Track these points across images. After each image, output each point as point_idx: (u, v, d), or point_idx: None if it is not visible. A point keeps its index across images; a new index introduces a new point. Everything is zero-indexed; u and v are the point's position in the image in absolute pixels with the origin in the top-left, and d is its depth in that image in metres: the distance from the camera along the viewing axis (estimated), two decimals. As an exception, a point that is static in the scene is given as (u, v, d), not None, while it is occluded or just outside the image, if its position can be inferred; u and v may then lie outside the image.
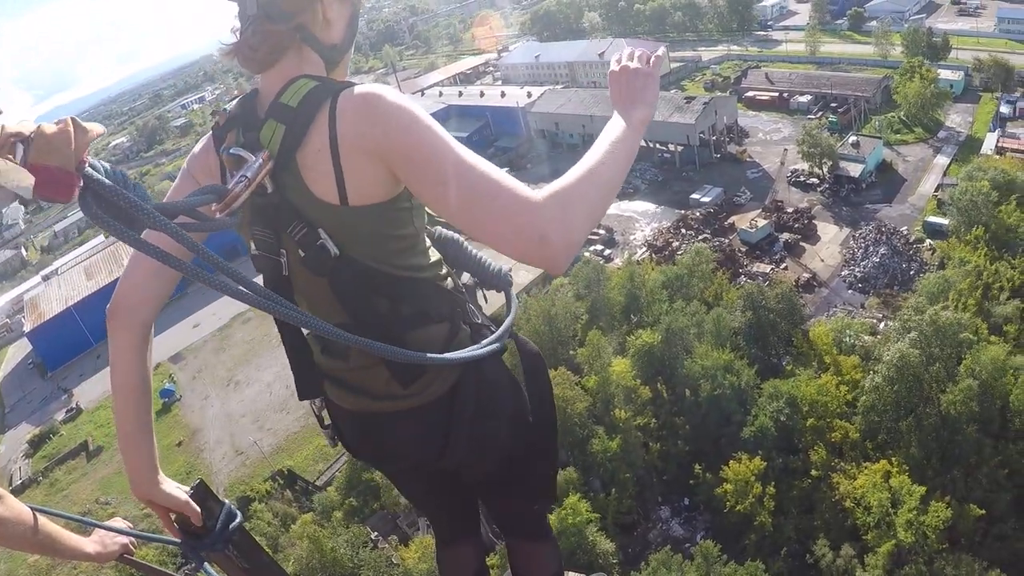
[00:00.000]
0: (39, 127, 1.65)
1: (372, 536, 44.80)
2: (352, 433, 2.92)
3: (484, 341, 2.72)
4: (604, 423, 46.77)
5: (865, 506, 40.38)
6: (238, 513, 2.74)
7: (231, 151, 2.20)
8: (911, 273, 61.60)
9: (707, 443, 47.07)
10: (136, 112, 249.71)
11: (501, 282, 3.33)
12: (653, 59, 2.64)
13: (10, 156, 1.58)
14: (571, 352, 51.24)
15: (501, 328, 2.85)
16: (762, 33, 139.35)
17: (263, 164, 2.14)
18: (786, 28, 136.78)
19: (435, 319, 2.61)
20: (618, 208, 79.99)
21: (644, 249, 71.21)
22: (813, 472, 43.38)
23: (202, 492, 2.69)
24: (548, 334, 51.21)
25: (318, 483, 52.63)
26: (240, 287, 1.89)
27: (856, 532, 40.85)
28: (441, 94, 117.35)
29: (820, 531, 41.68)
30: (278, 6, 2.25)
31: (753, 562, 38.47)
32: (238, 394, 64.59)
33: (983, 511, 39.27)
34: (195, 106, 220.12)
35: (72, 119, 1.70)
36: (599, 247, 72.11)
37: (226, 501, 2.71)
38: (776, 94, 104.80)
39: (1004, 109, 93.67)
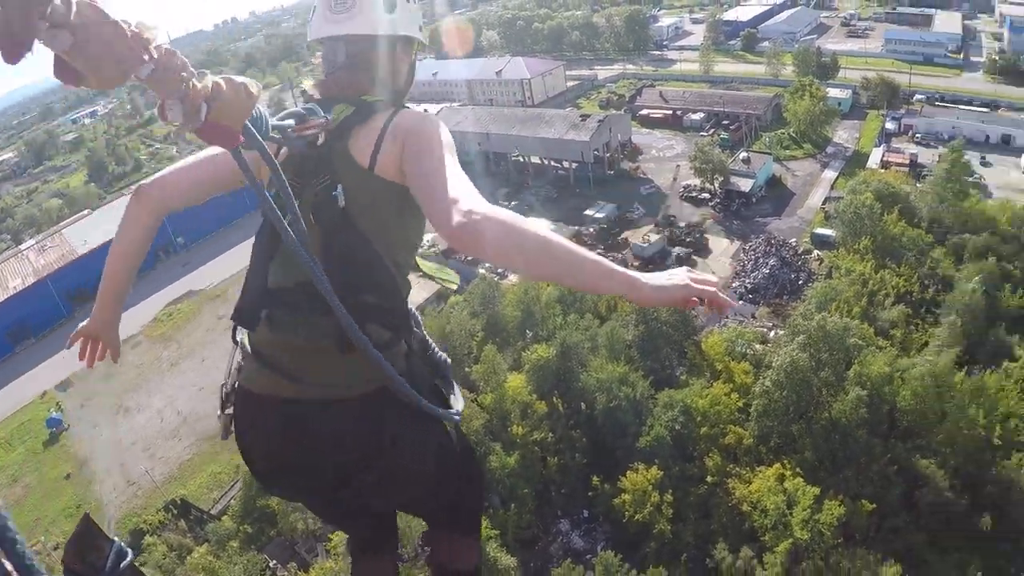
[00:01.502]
0: (216, 85, 2.06)
1: (270, 564, 44.80)
2: (272, 426, 3.00)
3: (451, 411, 3.45)
4: (501, 439, 48.05)
5: (761, 509, 42.94)
6: (128, 551, 2.55)
7: (307, 106, 2.93)
8: (800, 283, 65.98)
9: (604, 455, 48.94)
10: (24, 126, 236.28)
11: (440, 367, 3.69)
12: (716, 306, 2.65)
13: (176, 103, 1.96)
14: (467, 369, 52.37)
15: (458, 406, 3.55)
16: (657, 53, 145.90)
17: (327, 121, 2.90)
18: (681, 48, 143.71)
19: (387, 324, 3.00)
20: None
21: (541, 266, 73.11)
22: (709, 478, 45.77)
23: (89, 530, 2.50)
24: (451, 353, 52.13)
25: (212, 511, 51.99)
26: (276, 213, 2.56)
27: (754, 534, 43.26)
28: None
29: (718, 535, 43.98)
30: (363, 62, 3.15)
31: (655, 569, 40.27)
32: (128, 421, 63.00)
33: (875, 506, 42.64)
34: (86, 120, 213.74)
35: (245, 85, 2.19)
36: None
37: (115, 539, 2.55)
38: (670, 112, 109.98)
39: (889, 125, 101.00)
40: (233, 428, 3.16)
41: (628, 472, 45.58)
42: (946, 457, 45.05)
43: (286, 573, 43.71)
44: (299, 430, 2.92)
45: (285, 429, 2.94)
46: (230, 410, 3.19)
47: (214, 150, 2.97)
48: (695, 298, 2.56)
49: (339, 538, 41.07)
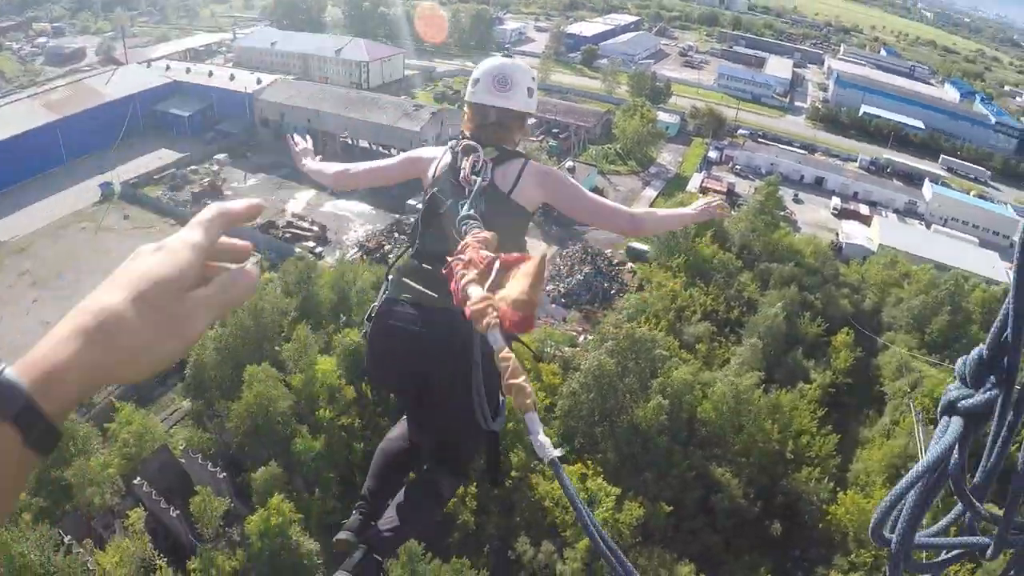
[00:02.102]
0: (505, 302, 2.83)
1: (64, 540, 41.59)
2: (410, 317, 4.48)
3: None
4: (308, 422, 46.69)
5: (563, 506, 43.84)
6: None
7: (468, 143, 4.52)
8: (612, 292, 68.86)
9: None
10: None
11: None
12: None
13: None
14: (276, 348, 50.82)
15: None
16: (499, 54, 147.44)
17: (486, 156, 4.45)
18: (523, 53, 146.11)
19: None
20: (333, 207, 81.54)
21: (356, 249, 72.62)
22: (513, 473, 46.12)
23: None
24: (254, 328, 50.37)
25: (4, 484, 47.67)
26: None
27: (555, 529, 44.28)
28: (168, 68, 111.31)
29: (521, 529, 44.82)
30: (506, 125, 4.78)
31: (458, 559, 40.19)
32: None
33: (672, 508, 45.11)
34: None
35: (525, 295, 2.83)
36: (311, 244, 72.69)
37: None
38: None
39: (712, 154, 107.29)
40: (369, 332, 4.80)
41: (432, 462, 45.43)
42: (741, 467, 48.16)
43: (81, 549, 40.77)
44: (426, 321, 4.38)
45: (419, 321, 4.41)
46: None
47: (392, 162, 5.24)
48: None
49: (137, 515, 39.70)
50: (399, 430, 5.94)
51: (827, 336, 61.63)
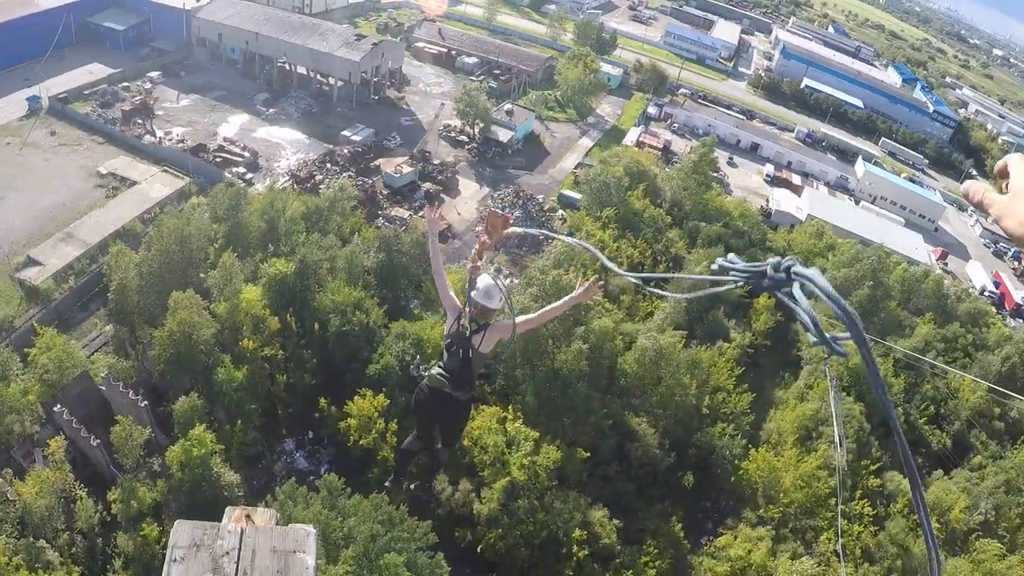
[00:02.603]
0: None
1: None
2: (437, 397, 8.84)
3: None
4: (231, 352, 46.74)
5: (482, 446, 45.13)
6: None
7: (464, 325, 8.59)
8: (540, 239, 69.35)
9: (333, 378, 49.18)
10: None
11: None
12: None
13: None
14: (202, 275, 50.29)
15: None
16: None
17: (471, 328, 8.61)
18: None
19: (471, 384, 8.93)
20: (267, 133, 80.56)
21: (287, 178, 71.90)
22: (433, 417, 47.24)
23: None
24: (179, 254, 49.76)
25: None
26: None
27: (473, 469, 45.32)
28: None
29: (439, 468, 45.18)
30: (489, 313, 8.51)
31: (376, 495, 40.69)
32: None
33: (589, 454, 46.88)
34: None
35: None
36: (242, 170, 71.70)
37: None
38: (445, 50, 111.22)
39: (651, 110, 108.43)
40: (416, 396, 9.37)
41: (355, 397, 46.07)
42: (658, 418, 49.99)
43: (1, 480, 40.29)
44: (444, 400, 8.85)
45: (440, 399, 8.83)
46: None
47: (453, 300, 8.80)
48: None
49: (56, 444, 40.00)
50: (411, 439, 10.76)
51: (749, 298, 63.49)
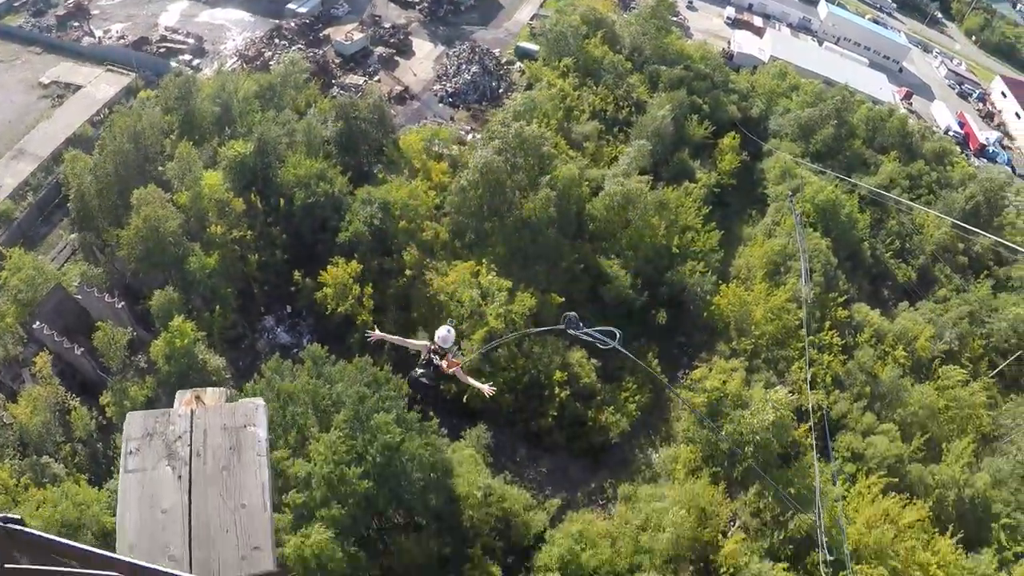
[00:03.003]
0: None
1: None
2: (418, 383, 15.77)
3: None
4: (200, 240, 47.28)
5: (458, 300, 46.47)
6: None
7: (430, 357, 15.38)
8: (500, 91, 70.09)
9: (304, 251, 50.08)
10: None
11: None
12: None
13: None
14: (160, 168, 50.06)
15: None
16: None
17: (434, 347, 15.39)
18: None
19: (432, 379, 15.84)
20: (209, 16, 78.59)
21: (236, 59, 70.77)
22: (408, 271, 48.47)
23: None
24: (134, 151, 49.28)
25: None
26: None
27: (452, 321, 46.41)
28: None
29: (418, 324, 47.19)
30: (444, 351, 15.13)
31: (359, 359, 42.23)
32: None
33: (563, 299, 48.11)
34: None
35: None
36: (188, 57, 70.37)
37: None
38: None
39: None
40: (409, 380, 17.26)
41: (328, 267, 47.04)
42: (629, 260, 51.44)
43: None
44: (422, 383, 15.71)
45: (421, 382, 15.73)
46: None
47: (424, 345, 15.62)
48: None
49: (42, 360, 40.80)
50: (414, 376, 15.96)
51: (714, 139, 64.44)
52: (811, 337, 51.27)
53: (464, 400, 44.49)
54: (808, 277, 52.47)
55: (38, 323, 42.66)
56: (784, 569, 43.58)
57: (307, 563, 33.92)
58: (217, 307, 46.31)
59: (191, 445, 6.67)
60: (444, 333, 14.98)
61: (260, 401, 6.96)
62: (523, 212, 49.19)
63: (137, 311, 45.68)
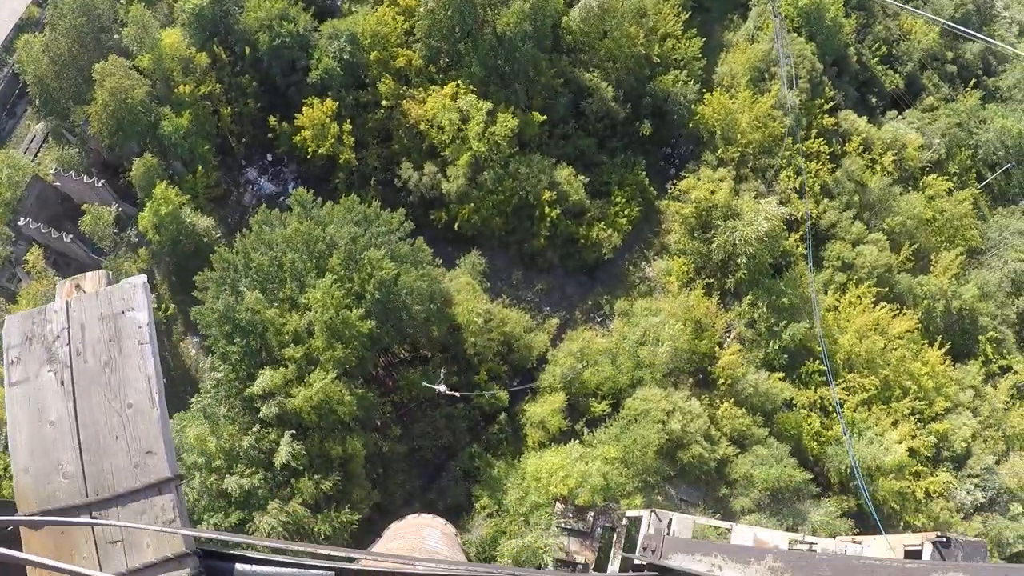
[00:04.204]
0: None
1: None
2: None
3: None
4: (169, 102, 46.07)
5: (438, 126, 45.70)
6: None
7: None
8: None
9: (277, 96, 48.93)
10: None
11: None
12: None
13: None
14: (116, 36, 48.15)
15: None
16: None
17: None
18: None
19: None
20: None
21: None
22: (384, 103, 47.47)
23: None
24: (87, 24, 47.41)
25: None
26: None
27: (434, 151, 46.35)
28: None
29: (402, 156, 46.96)
30: None
31: (347, 197, 41.81)
32: None
33: (545, 116, 47.58)
34: None
35: None
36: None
37: None
38: None
39: None
40: None
41: (304, 108, 46.04)
42: (608, 71, 50.08)
43: None
44: None
45: None
46: None
47: None
48: None
49: (34, 255, 41.83)
50: None
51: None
52: (798, 145, 51.08)
53: (456, 227, 44.65)
54: (795, 84, 51.85)
55: (23, 219, 42.54)
56: (780, 378, 44.92)
57: (320, 409, 34.75)
58: (198, 168, 45.82)
59: (70, 343, 6.00)
60: None
61: (139, 279, 6.02)
62: (497, 28, 47.56)
63: (119, 187, 45.33)
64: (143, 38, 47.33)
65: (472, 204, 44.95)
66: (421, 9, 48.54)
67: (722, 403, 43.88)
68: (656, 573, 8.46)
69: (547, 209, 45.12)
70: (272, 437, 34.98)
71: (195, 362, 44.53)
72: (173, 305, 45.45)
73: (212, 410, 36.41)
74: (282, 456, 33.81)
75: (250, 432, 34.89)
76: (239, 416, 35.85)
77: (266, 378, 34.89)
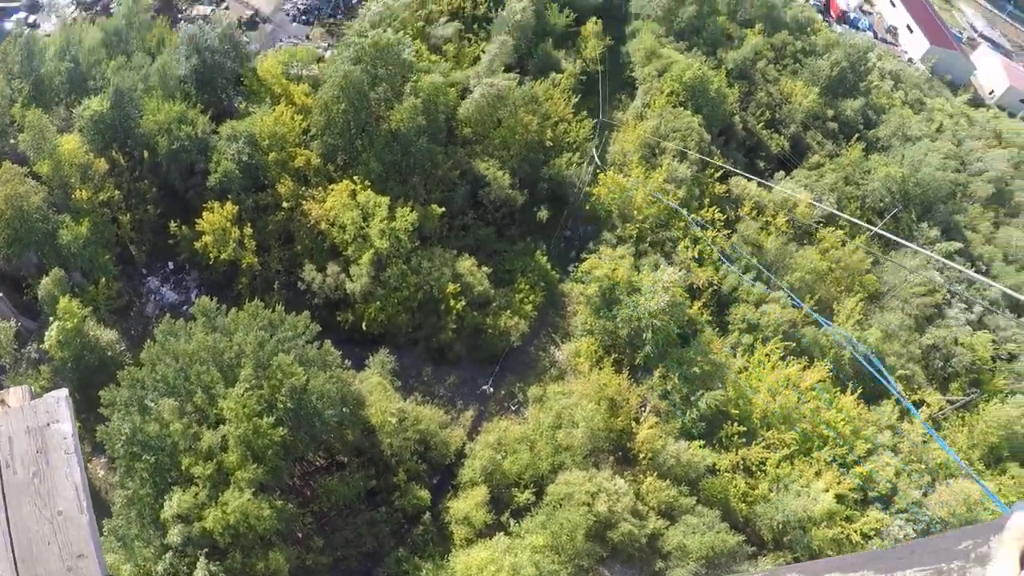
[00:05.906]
0: None
1: None
2: None
3: None
4: (68, 209, 44.48)
5: (340, 225, 45.38)
6: None
7: None
8: (353, 2, 67.28)
9: (176, 200, 47.90)
10: None
11: None
12: None
13: None
14: (13, 142, 46.88)
15: None
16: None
17: None
18: None
19: None
20: (36, -33, 73.29)
21: (73, 7, 66.60)
22: (284, 204, 46.99)
23: None
24: None
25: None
26: None
27: (336, 250, 45.95)
28: None
29: (304, 257, 46.35)
30: None
31: (251, 303, 40.84)
32: None
33: (444, 209, 47.74)
34: None
35: None
36: (23, 15, 65.15)
37: None
38: None
39: None
40: None
41: (204, 213, 45.15)
42: (504, 159, 50.81)
43: None
44: None
45: None
46: None
47: None
48: None
49: None
50: None
51: (576, 27, 62.96)
52: (692, 215, 52.55)
53: (363, 327, 44.52)
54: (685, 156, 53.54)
55: (-83, 338, 40.43)
56: (700, 446, 45.60)
57: (236, 528, 33.44)
58: (101, 279, 44.39)
59: (-1, 456, 6.26)
60: None
61: (62, 392, 6.41)
62: (391, 124, 47.77)
63: (21, 302, 43.83)
64: (40, 144, 45.85)
65: (377, 302, 44.54)
66: (315, 105, 48.74)
67: (646, 477, 43.62)
68: None
69: (452, 302, 44.98)
70: (189, 559, 34.02)
71: (103, 483, 43.12)
72: (79, 424, 43.79)
73: (124, 531, 35.14)
74: (200, 579, 32.89)
75: (163, 558, 33.91)
76: (153, 538, 34.82)
77: (176, 500, 33.89)
